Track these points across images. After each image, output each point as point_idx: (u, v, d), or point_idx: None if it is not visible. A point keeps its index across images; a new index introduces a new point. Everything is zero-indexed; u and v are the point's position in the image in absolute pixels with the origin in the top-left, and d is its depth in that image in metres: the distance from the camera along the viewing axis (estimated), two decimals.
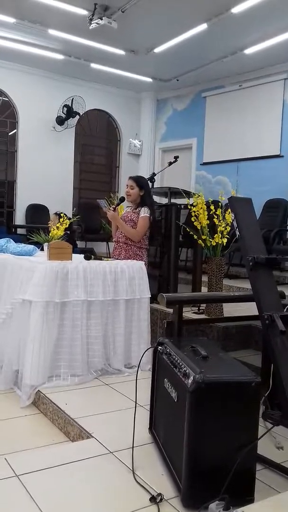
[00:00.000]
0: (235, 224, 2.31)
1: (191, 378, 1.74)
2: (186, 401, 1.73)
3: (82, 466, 2.00)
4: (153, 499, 1.76)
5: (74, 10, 5.80)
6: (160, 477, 1.93)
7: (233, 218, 2.35)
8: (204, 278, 4.47)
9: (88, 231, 7.98)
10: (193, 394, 1.70)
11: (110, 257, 4.16)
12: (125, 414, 2.53)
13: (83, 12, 5.84)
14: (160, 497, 1.77)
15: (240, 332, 3.79)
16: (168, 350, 2.11)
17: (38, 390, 2.90)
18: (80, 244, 7.62)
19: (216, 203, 4.02)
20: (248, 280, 2.23)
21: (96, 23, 5.84)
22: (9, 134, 8.28)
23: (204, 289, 4.69)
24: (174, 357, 2.00)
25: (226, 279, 5.26)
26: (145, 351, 2.42)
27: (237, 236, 2.31)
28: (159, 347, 2.22)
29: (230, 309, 4.02)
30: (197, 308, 4.12)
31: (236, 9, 5.58)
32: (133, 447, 2.07)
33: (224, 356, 2.03)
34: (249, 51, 6.75)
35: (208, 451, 1.74)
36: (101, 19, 5.80)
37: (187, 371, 1.80)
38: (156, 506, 1.72)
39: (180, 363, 1.90)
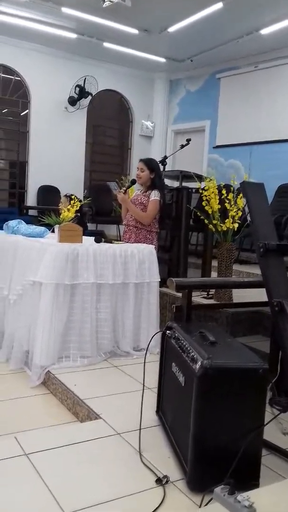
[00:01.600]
0: (246, 209, 2.29)
1: (199, 363, 1.75)
2: (194, 386, 1.75)
3: (90, 447, 2.04)
4: (159, 481, 1.79)
5: None
6: (166, 459, 1.96)
7: (244, 203, 2.33)
8: (214, 263, 4.46)
9: (98, 213, 7.96)
10: (201, 379, 1.71)
11: (120, 240, 4.16)
12: (133, 396, 2.56)
13: None
14: (166, 479, 1.80)
15: (249, 318, 3.78)
16: (176, 335, 2.12)
17: (48, 371, 2.94)
18: (90, 226, 7.61)
19: (228, 187, 3.97)
20: (258, 265, 2.22)
21: (110, 1, 5.73)
22: (21, 114, 8.23)
23: (213, 274, 4.69)
24: (182, 341, 2.01)
25: (236, 264, 5.24)
26: (154, 335, 2.43)
27: (249, 221, 2.29)
28: (168, 331, 2.23)
29: (239, 295, 4.01)
30: (206, 293, 4.12)
31: None
32: (140, 429, 2.10)
33: (232, 342, 2.04)
34: (265, 31, 6.59)
35: (214, 436, 1.76)
36: None
37: (195, 356, 1.81)
38: (162, 488, 1.75)
39: (188, 348, 1.91)
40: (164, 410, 2.25)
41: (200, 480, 1.75)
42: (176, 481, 1.81)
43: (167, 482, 1.79)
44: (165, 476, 1.81)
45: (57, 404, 2.75)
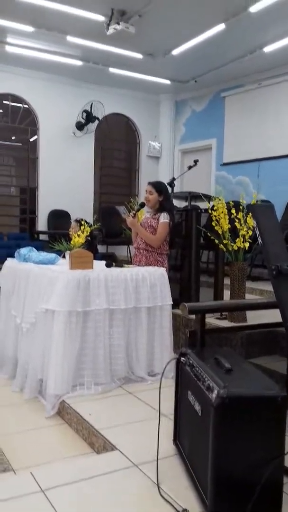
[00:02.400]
0: (257, 231, 2.27)
1: (215, 392, 1.71)
2: (210, 416, 1.71)
3: (107, 480, 2.00)
4: None
5: (91, 16, 5.82)
6: (185, 491, 1.91)
7: (255, 225, 2.31)
8: (226, 281, 4.42)
9: (108, 235, 7.99)
10: (217, 409, 1.68)
11: (131, 262, 4.15)
12: (149, 424, 2.52)
13: (101, 18, 5.85)
14: None
15: (264, 338, 3.73)
16: (191, 361, 2.09)
17: (63, 400, 2.92)
18: (101, 248, 7.65)
19: (237, 205, 3.96)
20: (271, 282, 2.19)
21: (114, 28, 5.85)
22: (30, 141, 8.37)
23: (226, 292, 4.64)
24: (197, 369, 1.98)
25: (249, 281, 5.19)
26: (169, 362, 2.40)
27: (260, 244, 2.27)
28: (182, 358, 2.20)
29: (254, 314, 3.96)
30: (219, 313, 4.07)
31: (253, 8, 5.50)
32: (157, 459, 2.06)
33: (248, 368, 2.00)
34: (268, 49, 6.65)
35: (234, 466, 1.72)
36: (118, 24, 5.81)
37: (210, 384, 1.78)
38: None
39: (204, 376, 1.87)
40: (181, 439, 2.21)
41: None
42: None
43: None
44: (185, 510, 1.76)
45: (72, 434, 2.71)
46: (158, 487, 1.92)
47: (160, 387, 2.17)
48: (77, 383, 3.05)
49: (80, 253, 3.37)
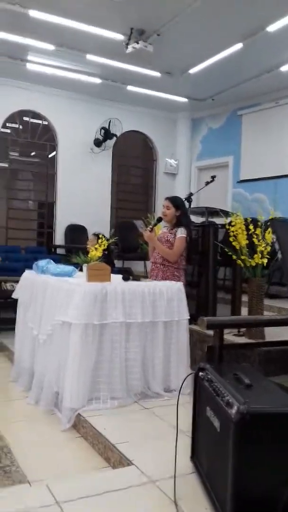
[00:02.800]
0: (276, 246, 2.26)
1: (235, 408, 1.68)
2: (230, 432, 1.68)
3: (123, 496, 1.97)
4: None
5: (111, 35, 5.94)
6: (203, 510, 1.86)
7: (274, 239, 2.30)
8: (244, 298, 4.38)
9: (125, 250, 8.01)
10: (238, 425, 1.65)
11: (147, 277, 4.15)
12: (165, 440, 2.48)
13: (120, 37, 5.97)
14: None
15: (282, 356, 3.66)
16: (209, 377, 2.06)
17: (78, 413, 2.90)
18: (117, 263, 7.66)
19: (255, 221, 3.94)
20: None
21: (133, 47, 5.96)
22: (49, 156, 8.50)
23: (243, 309, 4.59)
24: (216, 384, 1.95)
25: (266, 299, 5.13)
26: (186, 377, 2.37)
27: (279, 259, 2.25)
28: (200, 373, 2.17)
29: (272, 331, 3.91)
30: (237, 330, 4.03)
31: (271, 28, 5.57)
32: (175, 477, 2.02)
33: (268, 385, 1.96)
34: (285, 68, 6.70)
35: (255, 484, 1.68)
36: (137, 43, 5.91)
37: (230, 400, 1.75)
38: None
39: (223, 391, 1.85)
40: (199, 456, 2.17)
41: None
42: None
43: None
44: None
45: (88, 448, 2.69)
46: (176, 505, 1.88)
47: (178, 403, 2.15)
48: (93, 397, 3.03)
49: (97, 266, 3.38)
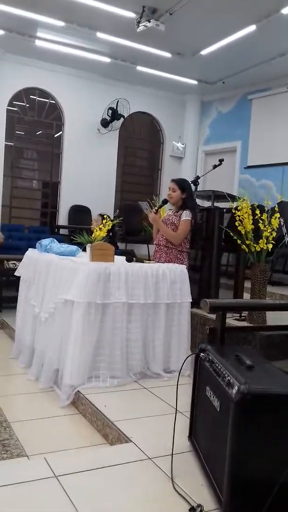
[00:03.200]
0: (284, 229, 2.23)
1: (236, 388, 1.68)
2: (230, 412, 1.68)
3: (120, 471, 1.98)
4: (192, 510, 1.72)
5: (123, 13, 5.84)
6: (200, 487, 1.88)
7: (282, 223, 2.28)
8: (246, 284, 4.37)
9: (129, 233, 7.99)
10: (238, 405, 1.65)
11: (151, 260, 4.13)
12: (164, 419, 2.50)
13: (131, 15, 5.86)
14: (200, 508, 1.72)
15: (284, 341, 3.67)
16: (210, 358, 2.06)
17: (78, 391, 2.91)
18: (120, 245, 7.65)
19: (261, 207, 3.91)
20: None
21: (144, 25, 5.86)
22: (55, 136, 8.43)
23: (246, 295, 4.59)
24: (217, 365, 1.95)
25: (269, 286, 5.12)
26: (187, 357, 2.37)
27: (286, 242, 2.23)
28: (201, 354, 2.17)
29: (273, 317, 3.91)
30: (238, 315, 4.03)
31: (286, 10, 5.45)
32: (172, 454, 2.03)
33: (270, 367, 1.96)
34: None
35: (252, 465, 1.68)
36: (149, 21, 5.81)
37: (231, 380, 1.74)
38: None
39: (224, 372, 1.84)
40: (197, 435, 2.18)
41: (236, 511, 1.67)
42: (211, 511, 1.73)
43: (201, 511, 1.72)
44: (199, 505, 1.74)
45: (87, 425, 2.71)
46: (173, 481, 1.90)
47: (178, 383, 2.15)
48: (93, 375, 3.04)
49: (101, 245, 3.36)
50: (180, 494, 1.82)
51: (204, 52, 6.88)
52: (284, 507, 1.69)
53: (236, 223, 3.88)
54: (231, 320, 3.86)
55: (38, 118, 8.22)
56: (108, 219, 4.30)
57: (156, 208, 4.17)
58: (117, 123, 8.44)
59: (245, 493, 1.69)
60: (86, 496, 1.79)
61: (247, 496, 1.68)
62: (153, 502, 1.79)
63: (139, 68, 7.74)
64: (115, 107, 8.23)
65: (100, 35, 6.53)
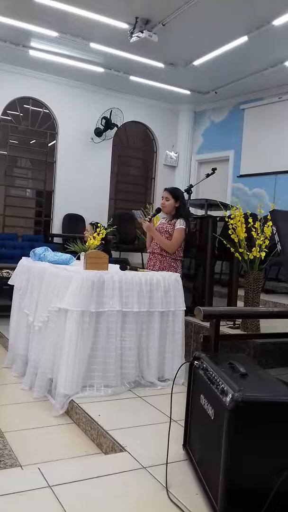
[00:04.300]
0: (276, 238, 2.25)
1: (230, 396, 1.69)
2: (224, 420, 1.68)
3: (115, 480, 1.97)
4: None
5: (116, 23, 5.89)
6: (194, 496, 1.87)
7: (274, 231, 2.30)
8: (240, 292, 4.39)
9: (122, 241, 8.01)
10: (232, 412, 1.65)
11: (145, 268, 4.14)
12: (158, 428, 2.49)
13: (124, 25, 5.92)
14: None
15: (278, 349, 3.68)
16: (204, 365, 2.06)
17: (72, 400, 2.90)
18: (114, 254, 7.66)
19: (254, 216, 3.94)
20: (285, 295, 2.17)
21: (137, 36, 5.91)
22: (49, 145, 8.45)
23: (239, 303, 4.61)
24: (211, 372, 1.95)
25: (262, 294, 5.15)
26: (181, 365, 2.38)
27: (279, 250, 2.25)
28: (195, 362, 2.17)
29: (266, 325, 3.92)
30: (232, 323, 4.04)
31: (277, 22, 5.53)
32: (167, 463, 2.03)
33: (263, 375, 1.97)
34: None
35: (247, 472, 1.68)
36: (142, 32, 5.87)
37: (225, 388, 1.75)
38: None
39: (218, 380, 1.85)
40: (192, 444, 2.18)
41: None
42: None
43: None
44: None
45: (81, 434, 2.69)
46: (167, 491, 1.89)
47: (172, 392, 2.15)
48: (87, 384, 3.03)
49: (95, 254, 3.37)
50: (174, 503, 1.81)
51: (196, 62, 6.95)
52: None
53: (229, 232, 3.91)
54: (225, 328, 3.87)
55: (31, 127, 8.24)
56: (101, 228, 4.31)
57: (149, 216, 4.19)
58: (111, 133, 8.48)
59: (239, 501, 1.68)
60: (80, 506, 1.77)
61: (242, 504, 1.68)
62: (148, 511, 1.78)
63: (132, 78, 7.80)
64: (108, 117, 8.28)
65: (93, 45, 6.58)
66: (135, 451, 2.22)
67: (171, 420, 2.22)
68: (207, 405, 1.93)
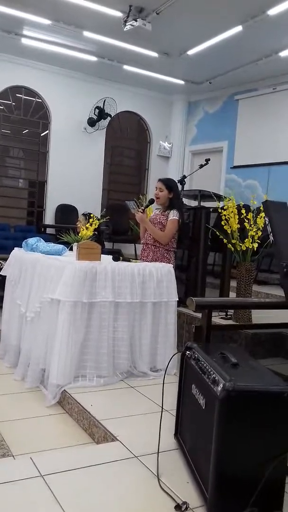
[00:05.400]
0: (269, 228, 2.26)
1: (221, 385, 1.69)
2: (215, 409, 1.69)
3: (107, 469, 1.98)
4: (178, 508, 1.73)
5: (109, 12, 5.82)
6: (185, 485, 1.89)
7: (267, 222, 2.30)
8: (232, 283, 4.40)
9: (116, 232, 7.98)
10: (223, 402, 1.66)
11: (138, 259, 4.14)
12: (150, 418, 2.50)
13: (118, 14, 5.85)
14: (185, 505, 1.73)
15: (269, 339, 3.71)
16: (196, 356, 2.07)
17: (64, 390, 2.91)
18: (107, 245, 7.64)
19: (247, 207, 3.95)
20: (277, 286, 2.18)
21: (131, 24, 5.85)
22: (41, 135, 8.38)
23: (232, 294, 4.63)
24: (202, 362, 1.96)
25: (255, 285, 5.16)
26: (173, 356, 2.39)
27: (271, 241, 2.25)
28: (187, 352, 2.18)
29: (259, 316, 3.94)
30: (224, 314, 4.05)
31: (272, 11, 5.49)
32: (158, 452, 2.04)
33: (255, 365, 1.98)
34: (284, 53, 6.63)
35: (237, 461, 1.70)
36: (136, 21, 5.81)
37: (216, 378, 1.76)
38: None
39: (209, 369, 1.86)
40: (183, 433, 2.19)
41: (221, 508, 1.68)
42: (196, 508, 1.74)
43: (186, 508, 1.73)
44: (185, 503, 1.75)
45: (73, 424, 2.70)
46: (158, 479, 1.90)
47: (163, 382, 2.16)
48: (79, 375, 3.04)
49: (88, 244, 3.36)
50: (165, 491, 1.83)
51: (191, 52, 6.90)
52: (269, 503, 1.71)
53: (222, 223, 3.91)
54: (217, 319, 3.89)
55: (24, 116, 8.16)
56: (94, 218, 4.29)
57: (143, 207, 4.18)
58: (104, 122, 8.42)
59: (230, 489, 1.70)
60: (72, 494, 1.78)
61: (232, 492, 1.70)
62: (139, 500, 1.79)
63: (126, 67, 7.73)
64: (102, 106, 8.22)
65: (86, 33, 6.50)
66: (127, 440, 2.23)
67: (163, 409, 2.23)
68: (199, 394, 1.94)
